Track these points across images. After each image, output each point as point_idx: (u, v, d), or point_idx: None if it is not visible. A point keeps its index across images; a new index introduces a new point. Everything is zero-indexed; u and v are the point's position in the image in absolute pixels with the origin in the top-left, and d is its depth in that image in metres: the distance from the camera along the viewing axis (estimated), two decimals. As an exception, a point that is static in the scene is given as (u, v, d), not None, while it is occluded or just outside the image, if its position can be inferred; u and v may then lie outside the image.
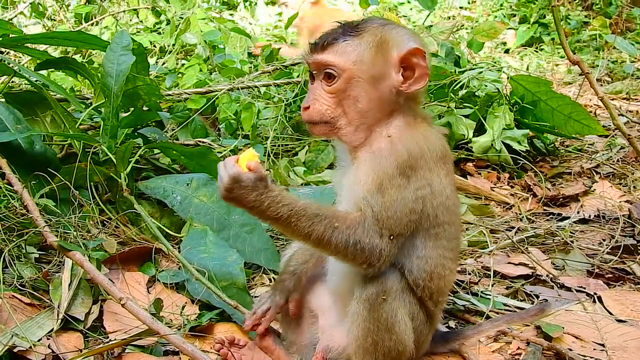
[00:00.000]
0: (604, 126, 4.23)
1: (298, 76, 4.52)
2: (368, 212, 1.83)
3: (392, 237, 1.85)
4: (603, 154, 4.51)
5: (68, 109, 3.44)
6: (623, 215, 3.39)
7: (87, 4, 7.38)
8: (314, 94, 1.96)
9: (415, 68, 1.93)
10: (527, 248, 3.06)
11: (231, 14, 8.92)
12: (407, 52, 1.92)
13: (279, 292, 2.16)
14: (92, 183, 2.91)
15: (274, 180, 3.68)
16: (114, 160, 2.92)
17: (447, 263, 1.99)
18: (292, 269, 2.17)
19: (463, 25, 8.49)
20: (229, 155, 3.84)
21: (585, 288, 2.76)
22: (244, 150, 1.85)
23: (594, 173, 4.22)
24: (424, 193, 1.88)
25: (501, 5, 9.90)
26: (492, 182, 4.04)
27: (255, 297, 2.63)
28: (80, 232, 2.69)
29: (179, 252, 2.68)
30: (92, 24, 6.80)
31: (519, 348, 2.31)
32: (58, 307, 2.32)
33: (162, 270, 2.67)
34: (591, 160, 4.40)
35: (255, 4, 9.47)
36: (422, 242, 1.94)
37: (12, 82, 3.37)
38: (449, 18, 9.38)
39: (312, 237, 1.81)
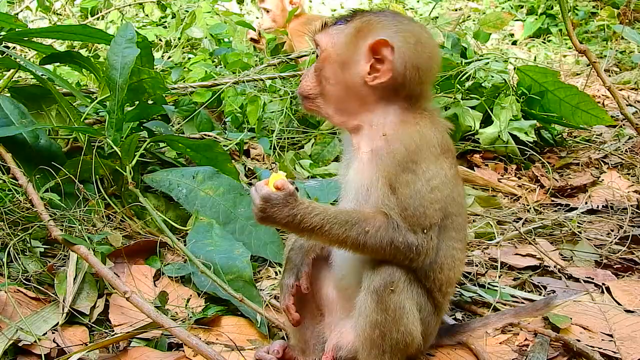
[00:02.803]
0: (612, 116, 4.20)
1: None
2: (392, 213, 1.86)
3: (425, 231, 1.88)
4: (611, 144, 4.48)
5: (73, 104, 3.44)
6: (631, 206, 3.37)
7: (92, -2, 7.38)
8: (309, 70, 2.04)
9: (384, 61, 1.91)
10: (534, 239, 3.04)
11: (240, 9, 8.91)
12: (374, 43, 1.90)
13: (287, 273, 2.11)
14: (97, 177, 2.90)
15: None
16: (120, 154, 2.91)
17: (456, 254, 2.01)
18: (299, 244, 2.13)
19: (470, 17, 8.45)
20: (235, 149, 3.87)
21: (593, 279, 2.74)
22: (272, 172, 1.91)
23: (602, 163, 4.19)
24: (436, 183, 1.89)
25: (508, -4, 9.85)
26: (499, 173, 4.02)
27: (262, 290, 2.62)
28: (85, 225, 2.68)
29: (185, 245, 2.67)
30: (97, 18, 6.79)
31: (526, 339, 2.29)
32: (63, 301, 2.31)
33: (168, 264, 2.67)
34: (599, 150, 4.36)
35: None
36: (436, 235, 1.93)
37: (18, 76, 3.37)
38: (456, 10, 9.34)
39: (347, 242, 1.86)
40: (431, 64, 1.99)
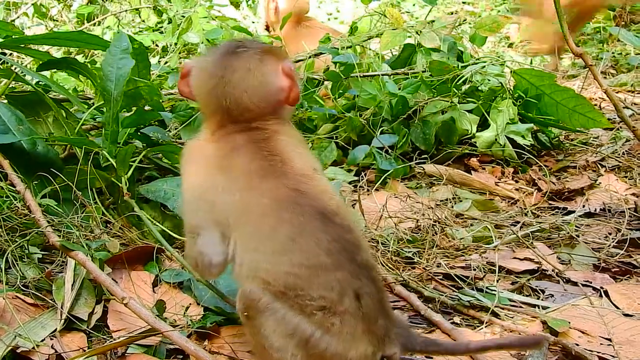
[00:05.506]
0: (608, 119, 4.21)
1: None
2: None
3: (191, 235, 1.97)
4: (608, 147, 4.48)
5: (70, 109, 3.44)
6: (629, 209, 3.37)
7: (89, 4, 7.38)
8: None
9: None
10: (532, 243, 3.04)
11: (244, 17, 8.91)
12: None
13: None
14: (94, 188, 2.91)
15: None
16: (115, 165, 2.90)
17: (262, 265, 1.83)
18: None
19: (466, 20, 8.45)
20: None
21: (591, 282, 2.74)
22: None
23: (599, 166, 4.18)
24: (200, 192, 1.96)
25: (504, -1, 9.85)
26: (496, 177, 4.02)
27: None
28: (83, 232, 2.68)
29: (183, 254, 2.67)
30: (94, 24, 6.80)
31: (525, 343, 2.28)
32: (61, 307, 2.31)
33: (165, 270, 2.66)
34: (596, 153, 4.37)
35: (258, 2, 9.45)
36: (232, 247, 1.91)
37: (15, 82, 3.37)
38: (451, 13, 9.35)
39: None
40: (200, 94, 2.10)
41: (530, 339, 2.09)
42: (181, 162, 2.08)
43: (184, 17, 6.22)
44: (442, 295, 2.60)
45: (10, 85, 3.26)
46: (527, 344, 2.04)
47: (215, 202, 1.92)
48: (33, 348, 2.12)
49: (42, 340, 2.18)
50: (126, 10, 7.16)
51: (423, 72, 4.41)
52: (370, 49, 5.14)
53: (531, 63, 6.82)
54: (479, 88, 4.33)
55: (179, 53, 6.06)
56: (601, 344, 2.28)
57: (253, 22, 8.80)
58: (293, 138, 2.07)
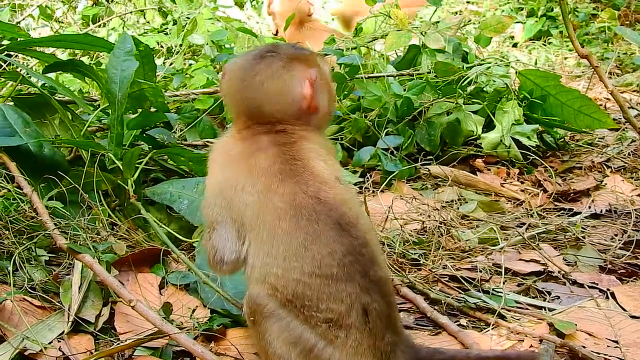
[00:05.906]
0: (614, 119, 4.20)
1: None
2: None
3: (208, 230, 1.98)
4: (614, 148, 4.47)
5: (76, 111, 3.45)
6: (635, 210, 3.36)
7: (94, 5, 7.40)
8: None
9: None
10: (538, 244, 3.04)
11: (247, 17, 8.91)
12: None
13: None
14: (100, 190, 2.91)
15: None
16: (121, 168, 2.91)
17: (273, 269, 1.82)
18: None
19: (470, 21, 8.45)
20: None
21: (597, 284, 2.74)
22: None
23: (605, 167, 4.18)
24: (220, 188, 1.97)
25: (508, -2, 9.85)
26: (502, 178, 4.01)
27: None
28: (89, 234, 2.69)
29: (190, 256, 2.68)
30: (99, 26, 6.81)
31: (531, 346, 2.28)
32: (68, 310, 2.32)
33: (172, 272, 2.67)
34: (602, 154, 4.36)
35: (262, 2, 9.47)
36: (247, 250, 1.91)
37: (21, 85, 3.39)
38: (456, 13, 9.34)
39: None
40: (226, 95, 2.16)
41: (527, 354, 2.11)
42: (208, 158, 2.09)
43: (188, 18, 6.23)
44: (448, 297, 2.60)
45: (17, 88, 3.28)
46: (524, 359, 2.05)
47: (233, 200, 1.92)
48: (40, 350, 2.13)
49: (50, 343, 2.19)
50: (131, 12, 7.17)
51: (428, 73, 4.42)
52: (375, 50, 5.14)
53: (536, 63, 6.82)
54: (484, 89, 4.33)
55: (184, 54, 6.07)
56: (608, 346, 2.28)
57: (257, 23, 8.80)
58: (319, 145, 2.04)
